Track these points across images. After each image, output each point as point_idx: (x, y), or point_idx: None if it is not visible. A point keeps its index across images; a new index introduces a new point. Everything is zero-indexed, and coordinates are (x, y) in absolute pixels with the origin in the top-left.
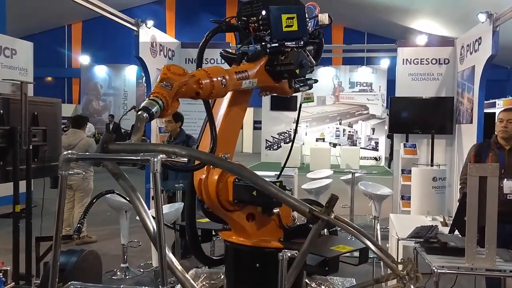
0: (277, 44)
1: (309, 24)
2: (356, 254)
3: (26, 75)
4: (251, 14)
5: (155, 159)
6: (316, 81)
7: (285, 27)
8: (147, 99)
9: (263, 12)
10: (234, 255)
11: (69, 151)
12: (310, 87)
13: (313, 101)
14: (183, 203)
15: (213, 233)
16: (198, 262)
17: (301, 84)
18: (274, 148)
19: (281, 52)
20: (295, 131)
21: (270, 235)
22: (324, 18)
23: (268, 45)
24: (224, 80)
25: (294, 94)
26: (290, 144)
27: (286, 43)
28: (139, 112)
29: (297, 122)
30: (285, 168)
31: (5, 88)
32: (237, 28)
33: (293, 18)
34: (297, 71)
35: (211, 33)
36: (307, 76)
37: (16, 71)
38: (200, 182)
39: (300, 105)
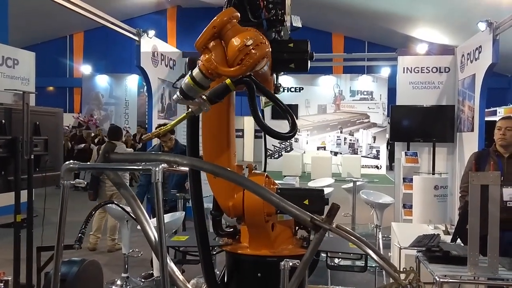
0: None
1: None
2: (358, 262)
3: (28, 85)
4: None
5: (157, 169)
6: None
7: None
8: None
9: None
10: (255, 267)
11: (71, 161)
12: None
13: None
14: (184, 212)
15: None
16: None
17: (280, 84)
18: (275, 156)
19: (287, 39)
20: (265, 149)
21: (285, 243)
22: (297, 20)
23: (278, 28)
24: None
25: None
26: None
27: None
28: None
29: (265, 146)
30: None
31: (7, 98)
32: (249, 3)
33: (289, 6)
34: (309, 62)
35: None
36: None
37: (18, 81)
38: (233, 206)
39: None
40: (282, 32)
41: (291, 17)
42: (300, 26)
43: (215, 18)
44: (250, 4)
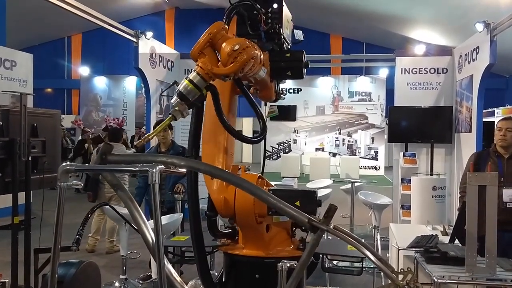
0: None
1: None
2: (357, 264)
3: (26, 87)
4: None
5: (154, 170)
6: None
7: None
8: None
9: (275, 5)
10: (251, 268)
11: (68, 163)
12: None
13: (277, 114)
14: (182, 214)
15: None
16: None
17: (282, 91)
18: (273, 158)
19: (283, 49)
20: (265, 153)
21: (282, 245)
22: (299, 34)
23: (277, 41)
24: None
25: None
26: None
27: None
28: None
29: (265, 147)
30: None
31: (4, 100)
32: (249, 19)
33: (288, 21)
34: (304, 70)
35: (230, 12)
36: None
37: (16, 83)
38: (225, 200)
39: (265, 136)
40: (284, 45)
41: (293, 31)
42: (302, 39)
43: (208, 29)
44: (251, 19)
